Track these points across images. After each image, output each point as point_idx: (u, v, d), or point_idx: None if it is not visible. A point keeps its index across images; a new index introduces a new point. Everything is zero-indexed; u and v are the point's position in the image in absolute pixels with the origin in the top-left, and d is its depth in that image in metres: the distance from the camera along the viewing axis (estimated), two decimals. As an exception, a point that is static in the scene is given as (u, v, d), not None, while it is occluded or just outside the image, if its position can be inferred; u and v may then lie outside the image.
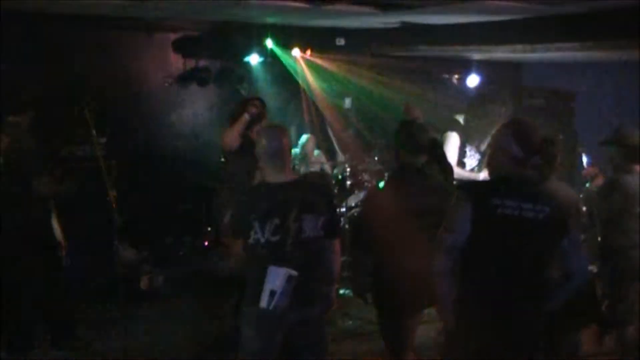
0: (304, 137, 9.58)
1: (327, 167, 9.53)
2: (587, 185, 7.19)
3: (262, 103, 6.80)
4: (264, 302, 4.27)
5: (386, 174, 6.56)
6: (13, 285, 6.23)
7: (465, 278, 3.84)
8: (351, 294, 6.32)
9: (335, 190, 9.00)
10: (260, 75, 10.06)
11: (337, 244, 4.65)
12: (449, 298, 3.87)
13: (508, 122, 4.03)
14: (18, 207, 6.12)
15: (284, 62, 10.06)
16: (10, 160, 6.09)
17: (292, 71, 10.18)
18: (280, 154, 4.45)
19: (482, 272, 3.82)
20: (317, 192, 4.53)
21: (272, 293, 4.24)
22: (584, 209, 7.10)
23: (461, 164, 7.63)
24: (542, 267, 3.85)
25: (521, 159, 3.80)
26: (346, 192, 8.98)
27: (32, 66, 7.82)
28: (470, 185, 4.12)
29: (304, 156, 9.37)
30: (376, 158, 9.31)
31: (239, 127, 6.45)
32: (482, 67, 10.65)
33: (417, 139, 4.99)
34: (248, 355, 4.42)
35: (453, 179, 5.67)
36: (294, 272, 4.25)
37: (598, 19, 6.47)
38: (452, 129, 7.98)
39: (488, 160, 4.14)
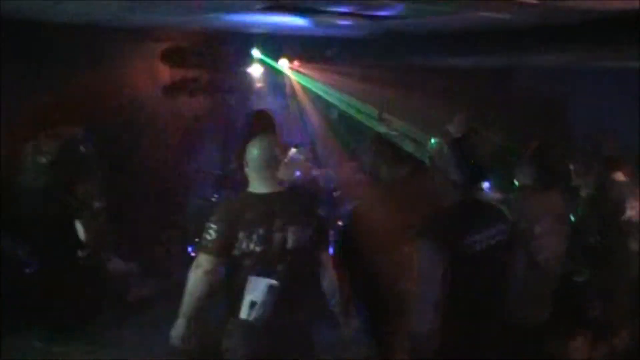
0: (290, 153, 9.54)
1: (319, 178, 9.48)
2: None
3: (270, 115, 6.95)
4: (244, 313, 4.24)
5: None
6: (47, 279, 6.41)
7: (447, 324, 3.61)
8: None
9: (325, 201, 8.99)
10: (249, 86, 10.02)
11: (326, 258, 4.64)
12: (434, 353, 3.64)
13: (451, 140, 3.86)
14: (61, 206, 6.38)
15: (272, 72, 10.07)
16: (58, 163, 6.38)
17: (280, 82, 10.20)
18: (270, 165, 4.43)
19: (464, 312, 3.64)
20: (302, 203, 4.52)
21: (253, 304, 4.22)
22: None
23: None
24: (506, 284, 3.77)
25: (469, 186, 3.66)
26: (334, 203, 8.94)
27: (18, 75, 7.75)
28: (436, 227, 3.66)
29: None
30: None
31: None
32: (473, 74, 10.66)
33: (394, 150, 4.92)
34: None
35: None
36: (275, 283, 4.22)
37: (588, 28, 6.45)
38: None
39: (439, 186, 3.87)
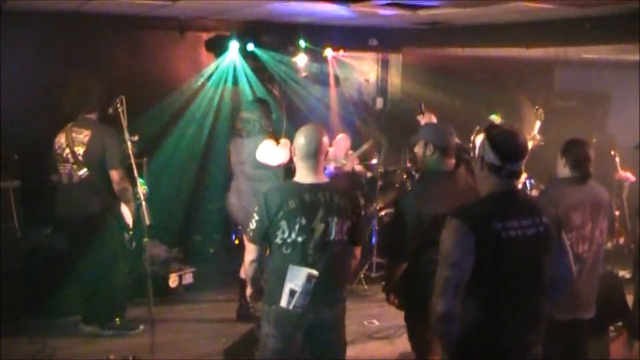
0: (339, 137, 9.54)
1: (360, 167, 9.49)
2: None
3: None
4: (283, 302, 4.28)
5: (416, 176, 6.50)
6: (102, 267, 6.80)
7: (470, 309, 3.58)
8: (376, 295, 6.36)
9: (366, 190, 9.00)
10: (292, 75, 10.04)
11: (358, 250, 4.67)
12: (455, 339, 3.60)
13: (486, 127, 3.79)
14: (101, 194, 6.65)
15: (316, 61, 10.08)
16: (91, 152, 6.60)
17: (324, 71, 10.22)
18: (316, 155, 4.44)
19: (488, 301, 3.59)
20: (345, 196, 4.49)
21: (292, 292, 4.24)
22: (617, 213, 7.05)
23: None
24: (543, 278, 3.68)
25: (500, 167, 3.60)
26: (377, 193, 8.95)
27: (65, 65, 7.88)
28: (465, 211, 3.65)
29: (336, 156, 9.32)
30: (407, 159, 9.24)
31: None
32: (515, 67, 10.58)
33: (447, 142, 4.91)
34: (267, 352, 4.46)
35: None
36: (315, 272, 4.25)
37: (630, 20, 6.35)
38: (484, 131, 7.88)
39: (477, 175, 3.94)
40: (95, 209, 6.64)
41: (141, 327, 6.93)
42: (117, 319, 6.96)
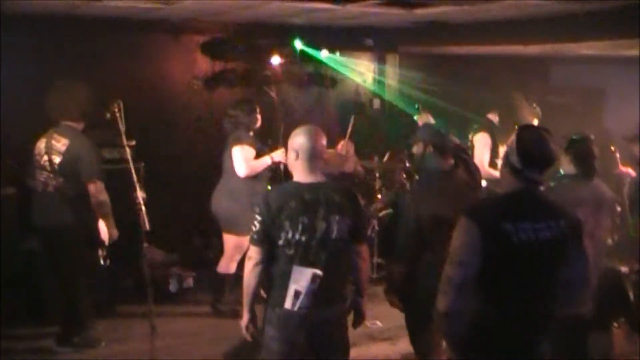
0: (342, 145, 9.49)
1: (360, 169, 9.45)
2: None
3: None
4: (288, 303, 4.25)
5: (416, 177, 6.49)
6: (66, 280, 6.68)
7: (477, 309, 3.53)
8: (378, 296, 6.32)
9: (365, 190, 8.97)
10: (289, 77, 10.02)
11: (364, 249, 4.64)
12: (459, 337, 3.59)
13: (518, 128, 3.68)
14: (73, 206, 6.45)
15: (313, 63, 10.05)
16: (67, 162, 6.42)
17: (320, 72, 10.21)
18: (316, 156, 4.44)
19: (496, 302, 3.54)
20: (345, 194, 4.48)
21: (297, 293, 4.22)
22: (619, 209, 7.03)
23: (494, 164, 7.50)
24: (556, 282, 3.62)
25: (520, 170, 3.54)
26: (375, 193, 8.93)
27: (61, 69, 7.85)
28: (477, 210, 3.61)
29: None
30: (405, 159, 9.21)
31: (261, 167, 7.21)
32: (510, 64, 10.57)
33: (445, 142, 4.92)
34: (270, 355, 4.42)
35: (480, 180, 5.60)
36: (319, 272, 4.22)
37: (626, 15, 6.33)
38: (483, 129, 7.88)
39: (500, 171, 3.87)
40: (65, 221, 6.44)
41: (103, 344, 6.87)
42: (75, 337, 6.77)
